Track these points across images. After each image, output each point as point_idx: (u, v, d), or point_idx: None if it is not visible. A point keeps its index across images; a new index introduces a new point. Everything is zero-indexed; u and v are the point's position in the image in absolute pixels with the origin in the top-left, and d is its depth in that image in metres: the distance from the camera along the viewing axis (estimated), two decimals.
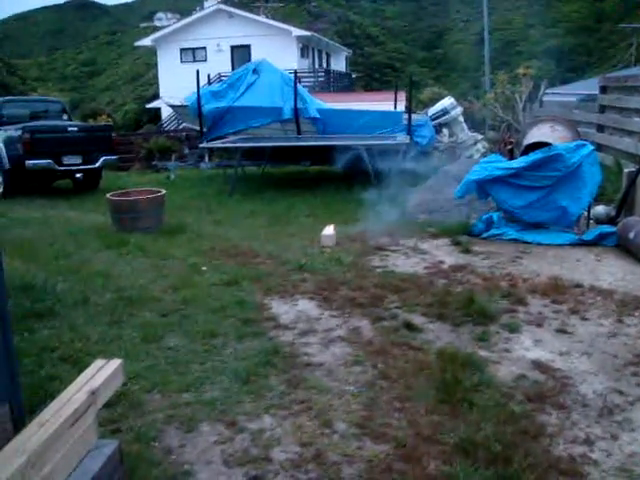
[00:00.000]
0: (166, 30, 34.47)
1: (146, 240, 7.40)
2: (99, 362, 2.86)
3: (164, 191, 8.44)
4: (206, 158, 15.96)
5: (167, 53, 32.81)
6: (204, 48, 31.64)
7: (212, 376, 3.83)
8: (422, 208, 8.48)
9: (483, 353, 4.10)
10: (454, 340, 4.35)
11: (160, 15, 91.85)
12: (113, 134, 13.44)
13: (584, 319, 4.71)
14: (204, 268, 6.27)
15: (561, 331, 4.49)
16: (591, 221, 7.59)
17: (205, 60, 30.21)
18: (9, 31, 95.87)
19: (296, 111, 12.01)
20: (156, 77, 34.76)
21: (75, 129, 12.36)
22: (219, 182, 12.59)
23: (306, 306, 5.09)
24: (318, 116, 12.18)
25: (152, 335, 4.49)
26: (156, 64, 34.49)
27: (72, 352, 4.21)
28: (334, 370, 3.90)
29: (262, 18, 31.97)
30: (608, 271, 5.97)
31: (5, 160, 11.69)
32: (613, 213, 7.60)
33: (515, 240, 7.16)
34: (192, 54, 31.67)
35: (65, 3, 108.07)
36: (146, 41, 34.52)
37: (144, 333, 4.53)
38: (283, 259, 6.48)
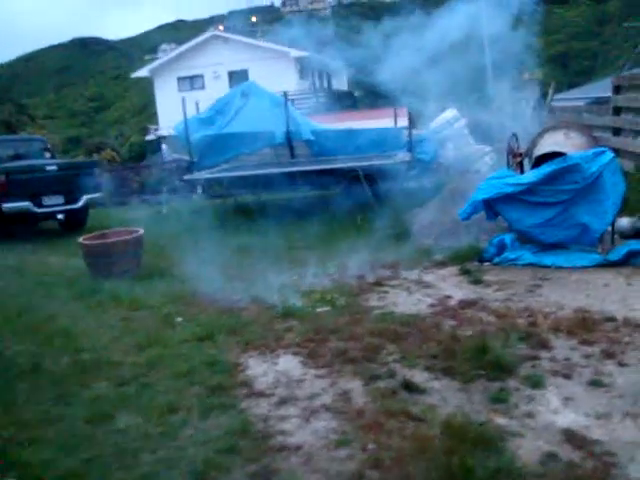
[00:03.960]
0: (162, 60, 33.99)
1: (120, 287, 6.68)
2: None
3: (142, 230, 7.66)
4: (199, 189, 15.25)
5: (164, 83, 32.25)
6: (201, 76, 31.11)
7: (163, 470, 3.09)
8: (426, 232, 7.71)
9: (500, 421, 3.30)
10: (464, 403, 3.54)
11: (164, 47, 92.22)
12: (97, 169, 12.67)
13: (622, 364, 3.88)
14: (179, 319, 5.53)
15: (595, 383, 3.66)
16: (615, 237, 6.73)
17: (203, 88, 29.65)
18: (17, 72, 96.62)
19: (288, 134, 11.29)
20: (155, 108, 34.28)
21: (54, 167, 11.47)
22: (210, 214, 11.84)
23: (288, 364, 4.31)
24: (312, 138, 11.44)
25: (101, 414, 3.75)
26: (154, 95, 34.01)
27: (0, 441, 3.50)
28: (314, 455, 3.12)
29: (258, 41, 31.35)
30: None
31: None
32: None
33: (532, 264, 6.31)
34: (189, 82, 31.13)
35: (71, 41, 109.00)
36: (143, 72, 34.08)
37: (92, 411, 3.79)
38: (268, 303, 5.71)
